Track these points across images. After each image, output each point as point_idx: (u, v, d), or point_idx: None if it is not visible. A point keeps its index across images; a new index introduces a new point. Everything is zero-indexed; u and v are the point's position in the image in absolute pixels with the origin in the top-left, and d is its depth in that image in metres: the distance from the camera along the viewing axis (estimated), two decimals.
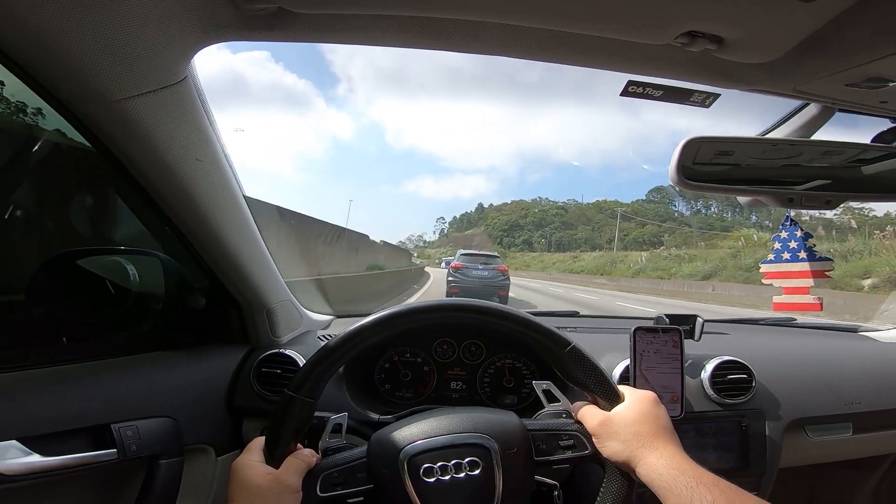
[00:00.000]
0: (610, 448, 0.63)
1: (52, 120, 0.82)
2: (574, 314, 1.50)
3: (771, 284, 0.81)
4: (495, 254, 13.28)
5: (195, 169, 0.74)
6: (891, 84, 0.58)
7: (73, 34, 0.50)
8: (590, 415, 0.66)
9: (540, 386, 0.73)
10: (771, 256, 0.80)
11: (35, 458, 0.67)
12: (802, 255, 0.77)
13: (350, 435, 0.75)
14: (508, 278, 11.48)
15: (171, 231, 0.86)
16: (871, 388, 1.10)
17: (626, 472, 0.64)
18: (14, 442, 0.66)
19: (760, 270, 0.81)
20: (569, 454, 0.67)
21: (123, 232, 1.06)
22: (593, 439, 0.66)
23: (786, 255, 0.78)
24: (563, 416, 0.72)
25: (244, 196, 0.89)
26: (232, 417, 1.00)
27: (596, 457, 0.66)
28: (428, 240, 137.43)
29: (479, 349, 1.14)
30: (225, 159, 0.80)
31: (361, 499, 0.67)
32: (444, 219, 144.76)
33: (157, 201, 0.78)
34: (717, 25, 0.54)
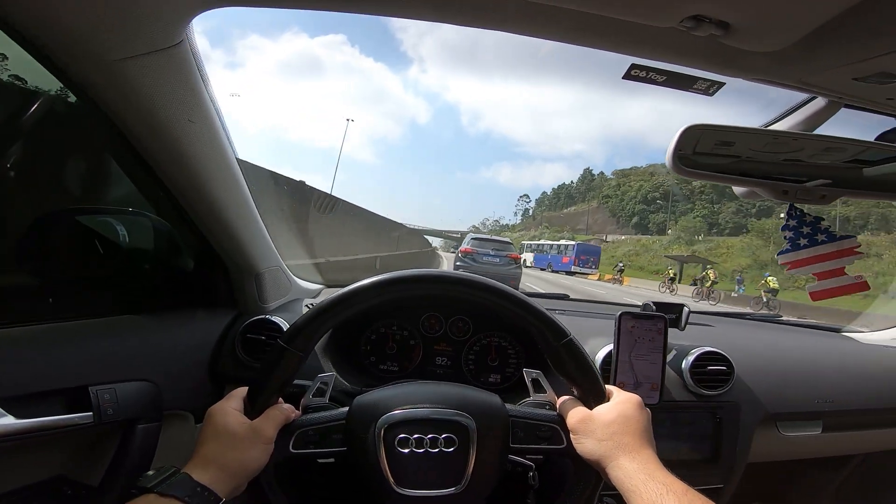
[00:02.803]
0: (585, 446, 0.64)
1: (46, 80, 0.80)
2: (564, 297, 1.51)
3: (795, 274, 0.77)
4: (508, 240, 13.02)
5: (187, 130, 0.73)
6: None
7: None
8: (571, 410, 0.67)
9: (530, 374, 0.73)
10: (787, 246, 0.76)
11: (8, 420, 0.66)
12: (821, 237, 0.74)
13: (332, 402, 0.76)
14: (520, 267, 10.92)
15: (162, 192, 0.85)
16: (846, 387, 1.12)
17: (595, 472, 0.64)
18: None
19: (780, 263, 0.78)
20: (543, 446, 0.68)
21: (116, 192, 1.04)
22: (571, 435, 0.66)
23: (803, 241, 0.74)
24: (547, 407, 0.73)
25: (238, 159, 0.88)
26: (213, 384, 1.00)
27: (569, 452, 0.66)
28: (508, 223, 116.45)
29: (466, 325, 1.14)
30: (219, 122, 0.79)
31: (332, 460, 0.68)
32: (527, 197, 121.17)
33: (148, 161, 0.77)
34: (725, 10, 0.52)
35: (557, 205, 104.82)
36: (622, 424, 0.63)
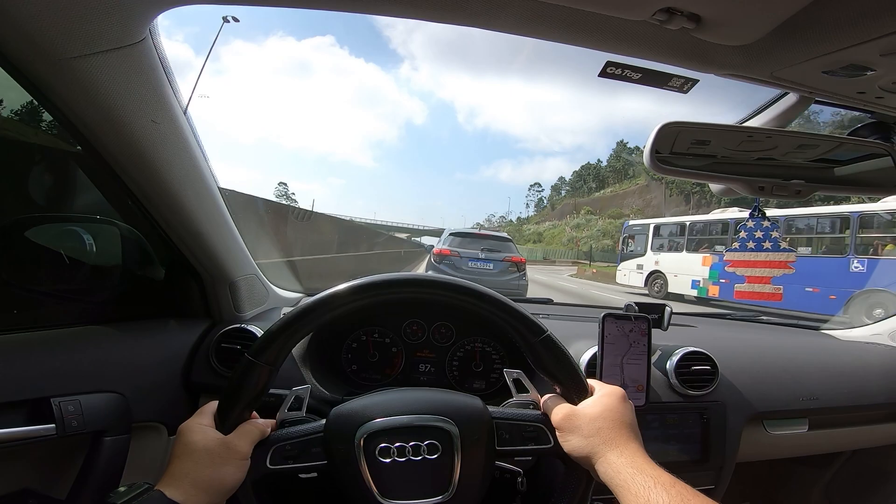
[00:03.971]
0: (571, 443, 0.62)
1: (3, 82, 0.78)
2: (548, 301, 1.50)
3: (734, 272, 0.80)
4: (504, 235, 8.39)
5: (150, 131, 0.70)
6: (868, 73, 0.58)
7: None
8: (555, 408, 0.65)
9: (511, 375, 0.71)
10: (736, 245, 0.79)
11: None
12: (767, 245, 0.77)
13: (311, 415, 0.73)
14: (525, 275, 7.23)
15: (129, 198, 0.82)
16: (828, 385, 1.13)
17: (585, 472, 0.63)
18: None
19: (725, 258, 0.81)
20: (531, 446, 0.66)
21: (83, 200, 1.01)
22: (557, 433, 0.65)
23: (750, 245, 0.78)
24: (531, 406, 0.71)
25: (208, 164, 0.85)
26: (188, 395, 0.96)
27: (557, 451, 0.65)
28: (520, 215, 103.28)
29: (449, 331, 1.12)
30: (186, 124, 0.76)
31: (315, 475, 0.65)
32: (539, 185, 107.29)
33: (112, 166, 0.74)
34: (696, 3, 0.52)
35: (584, 188, 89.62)
36: (607, 419, 0.62)
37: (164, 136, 0.72)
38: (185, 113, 0.75)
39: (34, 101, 0.66)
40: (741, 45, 0.56)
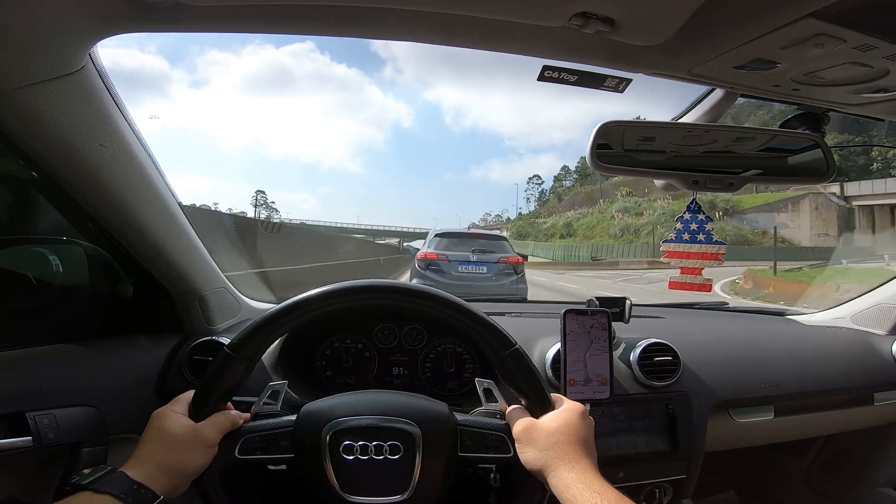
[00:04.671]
0: (527, 455, 0.64)
1: None
2: (522, 300, 1.52)
3: (669, 263, 0.84)
4: (497, 233, 7.76)
5: (100, 155, 0.73)
6: (777, 66, 0.61)
7: None
8: (517, 419, 0.67)
9: (482, 384, 0.73)
10: (671, 236, 0.83)
11: None
12: (700, 237, 0.80)
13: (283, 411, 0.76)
14: (524, 279, 6.52)
15: (88, 220, 0.84)
16: (792, 371, 1.14)
17: (539, 482, 0.65)
18: None
19: (660, 249, 0.84)
20: (491, 454, 0.68)
21: (46, 221, 1.02)
22: (515, 444, 0.67)
23: (685, 237, 0.81)
24: (497, 416, 0.73)
25: (165, 181, 0.87)
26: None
27: (516, 462, 0.67)
28: (520, 211, 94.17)
29: (420, 334, 1.14)
30: (138, 144, 0.79)
31: (284, 467, 0.69)
32: (539, 177, 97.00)
33: (67, 190, 0.76)
34: (607, 6, 0.55)
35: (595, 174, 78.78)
36: (564, 434, 0.63)
37: (113, 159, 0.74)
38: (135, 133, 0.77)
39: None
40: (656, 45, 0.59)
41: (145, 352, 1.00)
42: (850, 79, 0.62)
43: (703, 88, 0.78)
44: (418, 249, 7.32)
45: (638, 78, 0.75)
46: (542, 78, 0.78)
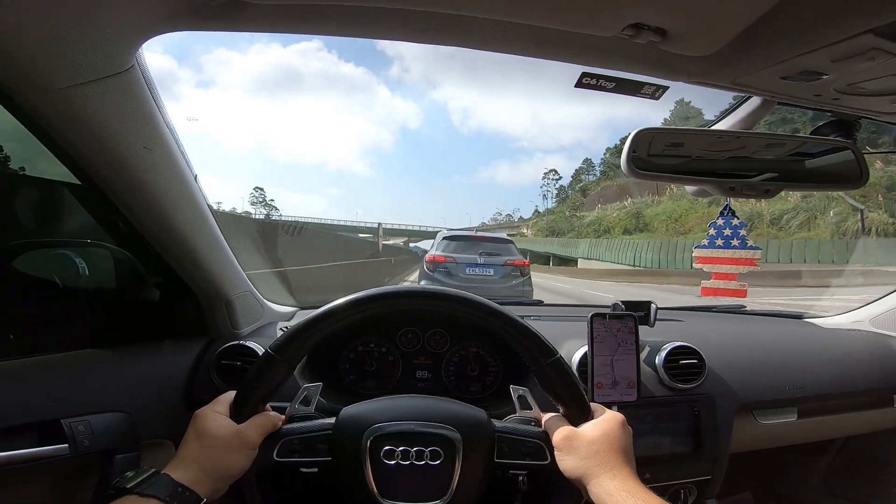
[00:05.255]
0: (567, 463, 0.65)
1: None
2: (539, 303, 1.53)
3: (702, 269, 0.84)
4: (503, 237, 8.19)
5: (143, 157, 0.72)
6: (823, 77, 0.62)
7: (13, 22, 0.49)
8: (556, 427, 0.68)
9: (517, 391, 0.74)
10: (705, 242, 0.83)
11: None
12: (735, 242, 0.80)
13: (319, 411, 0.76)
14: (530, 281, 6.74)
15: (122, 222, 0.84)
16: (814, 373, 1.16)
17: (576, 489, 0.65)
18: None
19: (693, 255, 0.84)
20: (528, 461, 0.68)
21: (71, 224, 1.02)
22: (555, 452, 0.67)
23: (719, 242, 0.81)
24: (532, 423, 0.73)
25: (198, 185, 0.87)
26: (190, 411, 0.97)
27: (552, 469, 0.67)
28: (536, 208, 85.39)
29: (443, 337, 1.14)
30: (176, 147, 0.78)
31: (315, 470, 0.68)
32: (556, 172, 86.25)
33: (105, 191, 0.76)
34: (661, 18, 0.55)
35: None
36: (605, 443, 0.64)
37: (156, 161, 0.74)
38: (174, 135, 0.77)
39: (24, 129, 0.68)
40: (705, 55, 0.60)
41: (172, 356, 1.00)
42: (892, 89, 0.63)
43: (739, 95, 0.78)
44: (426, 251, 7.52)
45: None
46: (579, 85, 0.78)
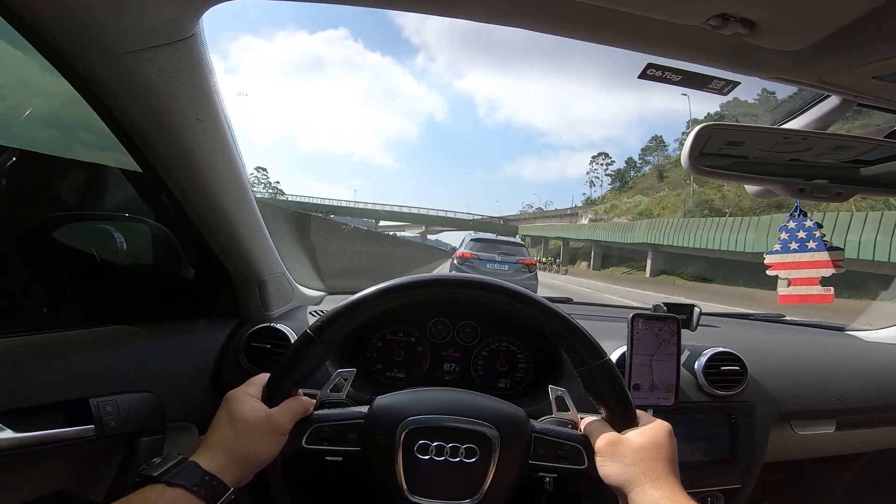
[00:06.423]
0: (609, 469, 0.62)
1: (46, 77, 0.78)
2: (568, 300, 1.51)
3: (777, 276, 0.80)
4: (518, 240, 10.82)
5: (195, 128, 0.71)
6: None
7: None
8: (599, 432, 0.65)
9: (555, 391, 0.71)
10: (777, 247, 0.78)
11: (7, 434, 0.64)
12: (812, 245, 0.76)
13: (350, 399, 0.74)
14: (536, 276, 8.97)
15: (165, 196, 0.82)
16: (856, 385, 1.13)
17: (612, 495, 0.63)
18: None
19: (765, 262, 0.80)
20: (564, 465, 0.66)
21: (112, 198, 1.01)
22: (596, 457, 0.65)
23: (793, 246, 0.77)
24: (570, 426, 0.71)
25: (243, 164, 0.85)
26: (218, 394, 0.97)
27: (589, 473, 0.65)
28: (585, 195, 70.54)
29: (474, 330, 1.13)
30: (225, 122, 0.76)
31: (339, 459, 0.66)
32: (607, 155, 75.34)
33: (153, 162, 0.75)
34: (752, 9, 0.51)
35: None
36: (652, 451, 0.62)
37: (207, 135, 0.72)
38: (223, 110, 0.75)
39: (79, 97, 0.66)
40: (792, 51, 0.56)
41: (203, 337, 0.99)
42: None
43: (811, 94, 0.74)
44: (446, 244, 10.61)
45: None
46: (643, 76, 0.75)
